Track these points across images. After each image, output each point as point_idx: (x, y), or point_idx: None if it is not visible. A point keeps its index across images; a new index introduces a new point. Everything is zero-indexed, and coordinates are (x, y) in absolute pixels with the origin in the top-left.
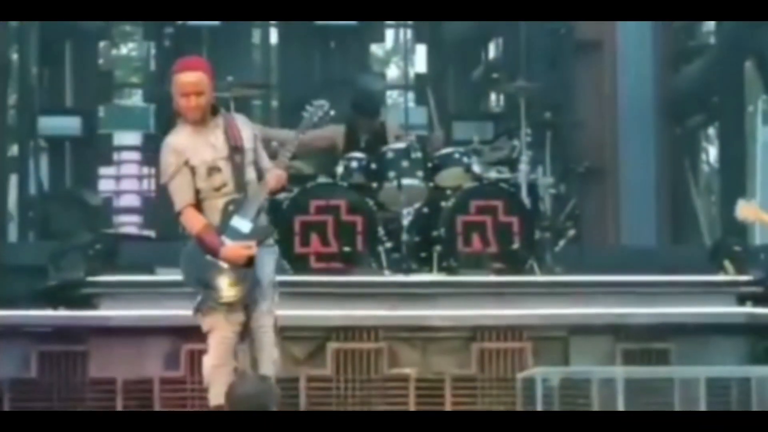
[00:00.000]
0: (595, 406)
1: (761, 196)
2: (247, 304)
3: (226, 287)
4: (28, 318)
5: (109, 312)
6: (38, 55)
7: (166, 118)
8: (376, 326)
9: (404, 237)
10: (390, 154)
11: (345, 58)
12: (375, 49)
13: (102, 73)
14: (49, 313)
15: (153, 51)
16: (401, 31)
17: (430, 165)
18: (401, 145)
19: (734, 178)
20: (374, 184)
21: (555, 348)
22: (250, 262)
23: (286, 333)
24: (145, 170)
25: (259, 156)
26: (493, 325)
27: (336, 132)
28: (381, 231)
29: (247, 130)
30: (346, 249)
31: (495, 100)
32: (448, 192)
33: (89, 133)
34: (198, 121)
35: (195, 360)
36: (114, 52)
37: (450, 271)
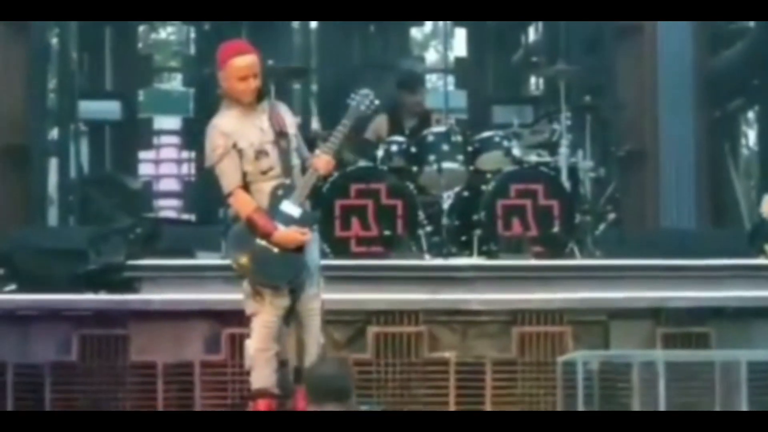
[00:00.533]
0: (636, 390)
1: None
2: (293, 288)
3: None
4: (68, 302)
5: (150, 296)
6: (78, 39)
7: (207, 102)
8: (417, 310)
9: (444, 221)
10: (430, 138)
11: (384, 42)
12: (414, 32)
13: (141, 57)
14: (89, 296)
15: (192, 35)
16: None
17: (470, 149)
18: (441, 128)
19: None
20: (414, 168)
21: (595, 332)
22: (302, 247)
23: (326, 317)
24: (185, 154)
25: (301, 144)
26: (533, 308)
27: (380, 125)
28: (421, 215)
29: (289, 117)
30: (387, 233)
31: (535, 84)
32: (488, 175)
33: (129, 117)
34: (248, 104)
35: (236, 344)
36: (153, 36)
37: (490, 254)
